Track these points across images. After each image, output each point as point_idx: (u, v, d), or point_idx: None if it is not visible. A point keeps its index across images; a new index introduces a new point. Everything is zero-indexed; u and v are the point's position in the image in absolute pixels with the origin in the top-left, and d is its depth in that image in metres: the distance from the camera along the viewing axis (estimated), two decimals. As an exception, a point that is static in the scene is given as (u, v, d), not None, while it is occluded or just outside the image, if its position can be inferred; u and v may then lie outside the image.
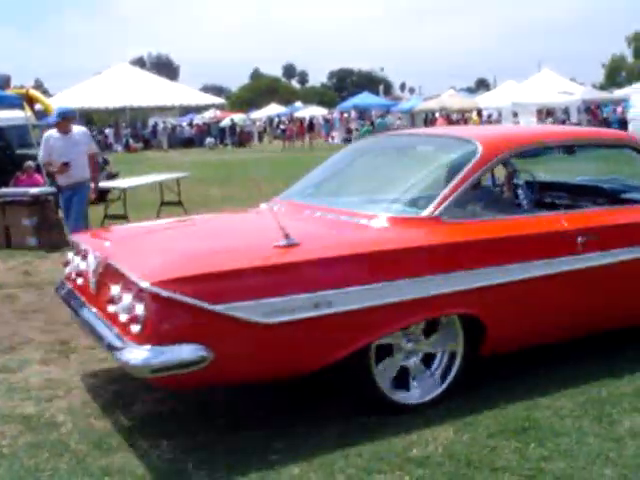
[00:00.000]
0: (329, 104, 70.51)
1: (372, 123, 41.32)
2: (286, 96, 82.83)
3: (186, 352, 3.68)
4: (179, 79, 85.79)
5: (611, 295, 4.97)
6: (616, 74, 79.51)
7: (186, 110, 53.21)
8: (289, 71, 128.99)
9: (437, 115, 40.32)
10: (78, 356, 5.58)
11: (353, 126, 44.55)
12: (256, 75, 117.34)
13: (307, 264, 4.01)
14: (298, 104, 65.53)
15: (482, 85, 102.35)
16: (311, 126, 46.59)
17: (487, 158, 4.72)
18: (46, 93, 41.50)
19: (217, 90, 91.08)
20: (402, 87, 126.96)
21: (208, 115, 49.85)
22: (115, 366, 4.62)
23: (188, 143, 46.41)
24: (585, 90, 40.79)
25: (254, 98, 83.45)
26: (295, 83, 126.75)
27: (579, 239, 4.67)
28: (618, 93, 41.33)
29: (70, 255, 5.23)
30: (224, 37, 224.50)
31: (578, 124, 32.84)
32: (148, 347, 3.67)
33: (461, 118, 40.34)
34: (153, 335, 3.70)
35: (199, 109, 50.68)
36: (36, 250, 10.17)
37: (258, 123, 55.93)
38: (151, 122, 51.11)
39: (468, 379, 4.53)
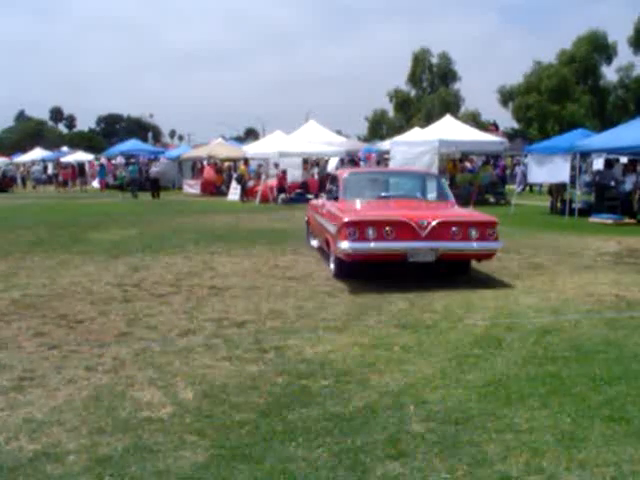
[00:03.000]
0: (97, 149, 69.87)
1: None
2: (53, 140, 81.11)
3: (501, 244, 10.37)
4: None
5: None
6: (378, 127, 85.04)
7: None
8: (56, 115, 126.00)
9: (205, 163, 41.07)
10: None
11: (119, 172, 44.57)
12: (21, 118, 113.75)
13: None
14: (65, 149, 64.44)
15: (251, 134, 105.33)
16: (82, 171, 46.32)
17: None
18: None
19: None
20: (172, 134, 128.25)
21: (-32, 158, 47.82)
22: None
23: (-54, 188, 44.18)
24: (348, 142, 42.90)
25: (19, 141, 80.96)
26: (62, 127, 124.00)
27: None
28: (380, 145, 44.06)
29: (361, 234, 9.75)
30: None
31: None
32: (498, 242, 10.08)
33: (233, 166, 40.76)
34: (494, 238, 9.94)
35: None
36: None
37: (22, 168, 54.33)
38: None
39: (226, 431, 4.78)
